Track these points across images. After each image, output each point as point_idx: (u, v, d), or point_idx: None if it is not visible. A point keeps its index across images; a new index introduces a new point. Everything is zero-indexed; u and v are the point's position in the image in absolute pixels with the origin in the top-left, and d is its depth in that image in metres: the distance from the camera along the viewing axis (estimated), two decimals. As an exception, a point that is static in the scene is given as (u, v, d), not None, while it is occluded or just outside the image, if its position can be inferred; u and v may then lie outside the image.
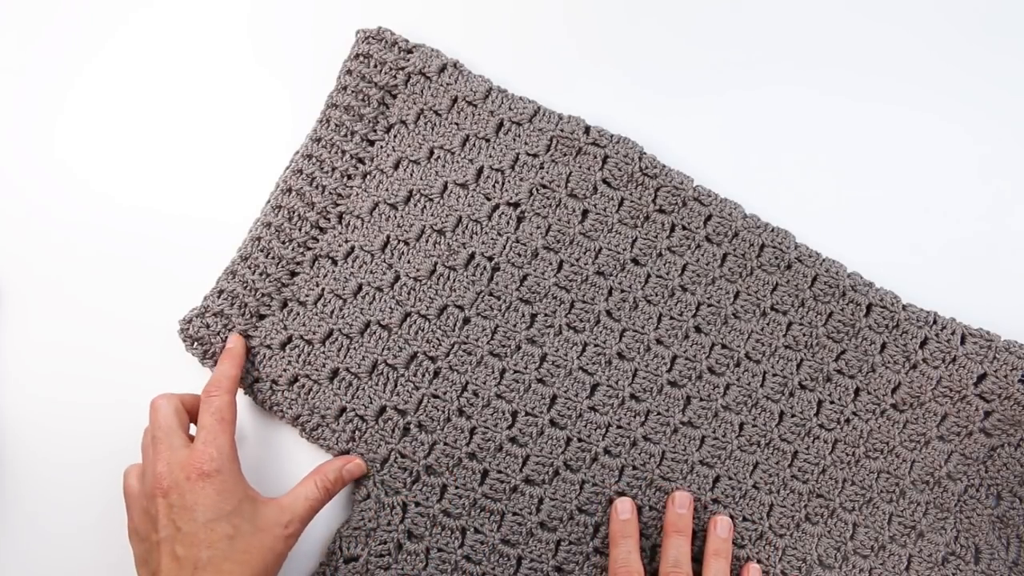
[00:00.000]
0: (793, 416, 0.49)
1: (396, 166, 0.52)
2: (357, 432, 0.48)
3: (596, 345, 0.50)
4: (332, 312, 0.49)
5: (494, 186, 0.51)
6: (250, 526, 0.42)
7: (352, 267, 0.50)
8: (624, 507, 0.47)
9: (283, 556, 0.44)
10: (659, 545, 0.47)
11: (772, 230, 0.50)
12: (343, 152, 0.51)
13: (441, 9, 0.55)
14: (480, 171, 0.51)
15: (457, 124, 0.52)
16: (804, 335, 0.50)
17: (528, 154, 0.51)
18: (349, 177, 0.52)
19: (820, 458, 0.49)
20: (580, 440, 0.49)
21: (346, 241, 0.51)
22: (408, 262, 0.50)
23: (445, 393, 0.49)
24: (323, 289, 0.50)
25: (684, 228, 0.50)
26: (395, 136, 0.52)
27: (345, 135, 0.52)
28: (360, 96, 0.52)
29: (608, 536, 0.47)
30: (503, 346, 0.49)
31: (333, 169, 0.51)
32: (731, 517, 0.48)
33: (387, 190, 0.51)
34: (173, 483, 0.42)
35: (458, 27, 0.54)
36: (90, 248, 0.52)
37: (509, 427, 0.49)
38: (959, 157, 0.53)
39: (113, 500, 0.47)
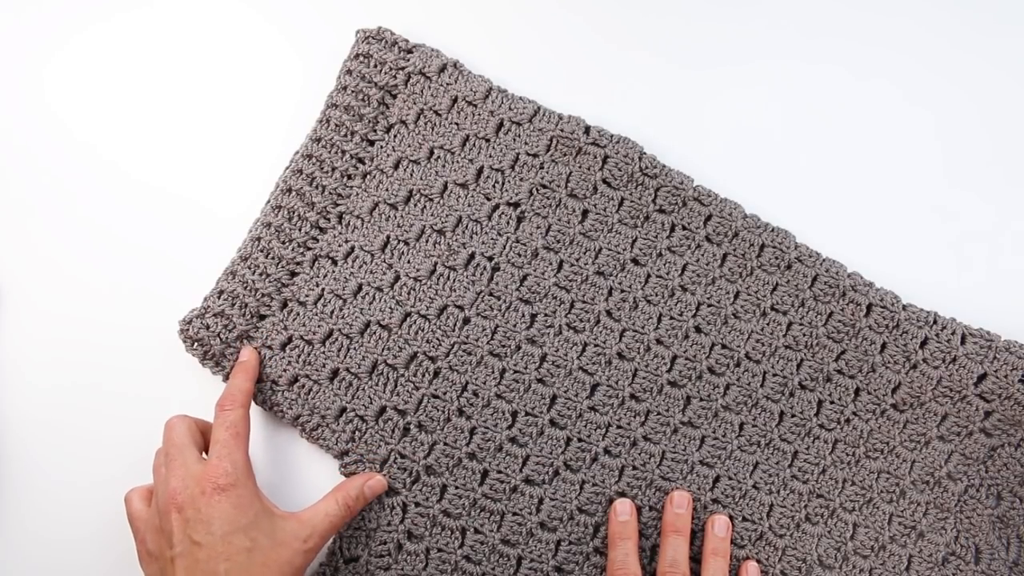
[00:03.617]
0: (793, 416, 0.49)
1: (396, 166, 0.52)
2: (357, 432, 0.48)
3: (596, 345, 0.50)
4: (332, 312, 0.49)
5: (494, 186, 0.51)
6: (268, 540, 0.42)
7: (352, 267, 0.50)
8: (623, 508, 0.47)
9: (302, 570, 0.43)
10: (659, 545, 0.47)
11: (772, 230, 0.50)
12: (343, 152, 0.51)
13: (441, 9, 0.55)
14: (480, 171, 0.51)
15: (457, 124, 0.52)
16: (804, 335, 0.50)
17: (528, 154, 0.51)
18: (349, 177, 0.52)
19: (820, 458, 0.49)
20: (580, 440, 0.49)
21: (346, 241, 0.51)
22: (408, 262, 0.50)
23: (445, 393, 0.49)
24: (323, 289, 0.50)
25: (684, 228, 0.50)
26: (395, 136, 0.52)
27: (345, 135, 0.52)
28: (360, 96, 0.52)
29: (607, 536, 0.47)
30: (503, 346, 0.49)
31: (333, 169, 0.51)
32: (731, 517, 0.48)
33: (387, 190, 0.51)
34: (188, 498, 0.41)
35: (458, 27, 0.54)
36: (90, 249, 0.52)
37: (509, 427, 0.49)
38: (960, 157, 0.53)
39: (116, 499, 0.47)
